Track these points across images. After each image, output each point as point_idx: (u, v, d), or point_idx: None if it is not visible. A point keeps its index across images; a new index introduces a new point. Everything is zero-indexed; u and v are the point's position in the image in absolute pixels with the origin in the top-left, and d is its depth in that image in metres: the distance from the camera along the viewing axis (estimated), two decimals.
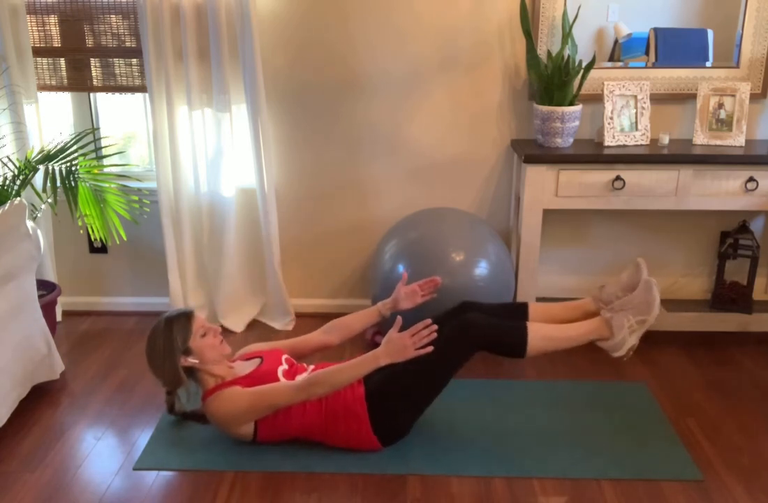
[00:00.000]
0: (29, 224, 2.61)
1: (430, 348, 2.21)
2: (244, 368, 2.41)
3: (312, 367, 2.43)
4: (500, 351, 2.33)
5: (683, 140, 3.06)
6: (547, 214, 3.03)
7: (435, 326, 2.24)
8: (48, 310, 2.89)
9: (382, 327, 2.69)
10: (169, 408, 2.41)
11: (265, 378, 2.31)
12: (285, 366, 2.40)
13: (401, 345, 2.22)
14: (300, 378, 2.30)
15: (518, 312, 2.51)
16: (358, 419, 2.26)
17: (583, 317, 2.44)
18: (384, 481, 2.21)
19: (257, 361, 2.44)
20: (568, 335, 2.34)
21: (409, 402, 2.31)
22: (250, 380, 2.31)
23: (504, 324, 2.34)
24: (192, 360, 2.29)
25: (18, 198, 2.62)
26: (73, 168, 2.94)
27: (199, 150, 3.10)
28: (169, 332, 2.28)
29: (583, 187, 2.85)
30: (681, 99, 3.06)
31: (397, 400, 2.28)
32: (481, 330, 2.29)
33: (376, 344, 2.52)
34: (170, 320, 2.31)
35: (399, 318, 2.29)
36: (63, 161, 2.94)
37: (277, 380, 2.31)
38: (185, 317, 2.32)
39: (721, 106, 2.95)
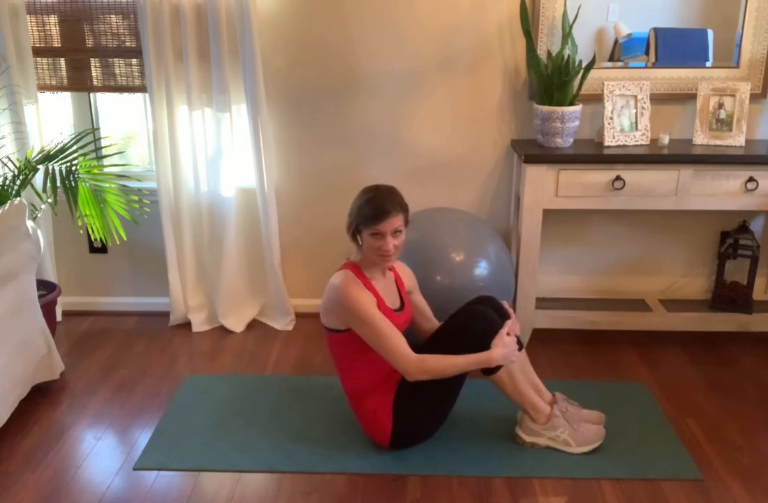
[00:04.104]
0: (29, 224, 2.61)
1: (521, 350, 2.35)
2: (387, 293, 2.34)
3: None
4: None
5: (683, 140, 3.05)
6: (547, 214, 3.02)
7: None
8: (48, 310, 2.89)
9: None
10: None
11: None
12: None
13: (513, 349, 2.25)
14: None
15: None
16: (384, 410, 2.27)
17: (534, 391, 2.41)
18: (384, 481, 2.21)
19: (398, 304, 2.38)
20: (525, 390, 2.34)
21: (433, 402, 2.30)
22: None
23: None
24: (359, 240, 2.26)
25: (18, 198, 2.63)
26: (73, 168, 2.94)
27: (199, 150, 3.10)
28: (360, 206, 2.23)
29: (583, 187, 2.84)
30: (681, 99, 3.06)
31: (423, 399, 2.28)
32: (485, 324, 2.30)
33: None
34: (368, 201, 2.22)
35: (514, 319, 2.37)
36: (63, 161, 2.94)
37: None
38: (381, 212, 2.18)
39: (721, 106, 2.95)
